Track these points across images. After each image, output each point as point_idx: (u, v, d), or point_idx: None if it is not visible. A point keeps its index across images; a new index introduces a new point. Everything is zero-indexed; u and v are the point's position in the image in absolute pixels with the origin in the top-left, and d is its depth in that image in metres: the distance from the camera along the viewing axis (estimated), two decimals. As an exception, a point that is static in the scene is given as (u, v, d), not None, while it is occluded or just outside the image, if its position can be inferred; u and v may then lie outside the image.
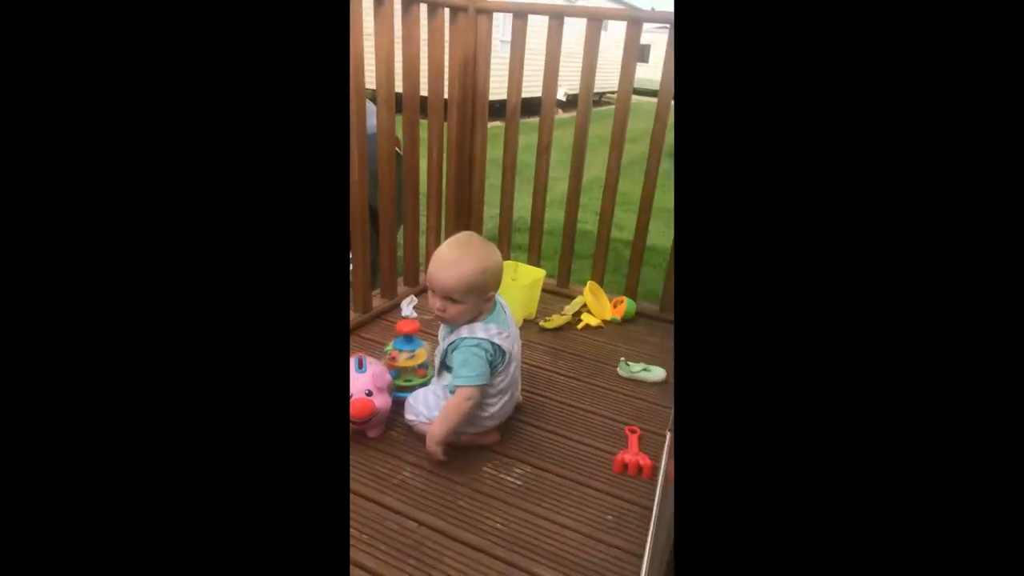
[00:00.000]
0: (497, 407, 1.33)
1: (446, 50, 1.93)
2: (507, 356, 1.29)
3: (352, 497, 1.19)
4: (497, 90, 2.03)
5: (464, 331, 1.27)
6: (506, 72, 2.03)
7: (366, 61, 1.56)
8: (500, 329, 1.28)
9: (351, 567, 1.04)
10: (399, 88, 1.75)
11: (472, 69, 2.04)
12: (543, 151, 2.09)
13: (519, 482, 1.27)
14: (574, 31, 2.19)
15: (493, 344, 1.26)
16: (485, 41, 2.02)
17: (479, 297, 1.26)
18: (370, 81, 1.61)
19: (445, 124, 2.05)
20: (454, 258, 1.25)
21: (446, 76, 1.96)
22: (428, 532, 1.13)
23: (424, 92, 1.83)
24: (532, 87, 2.21)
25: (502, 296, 1.39)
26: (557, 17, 1.92)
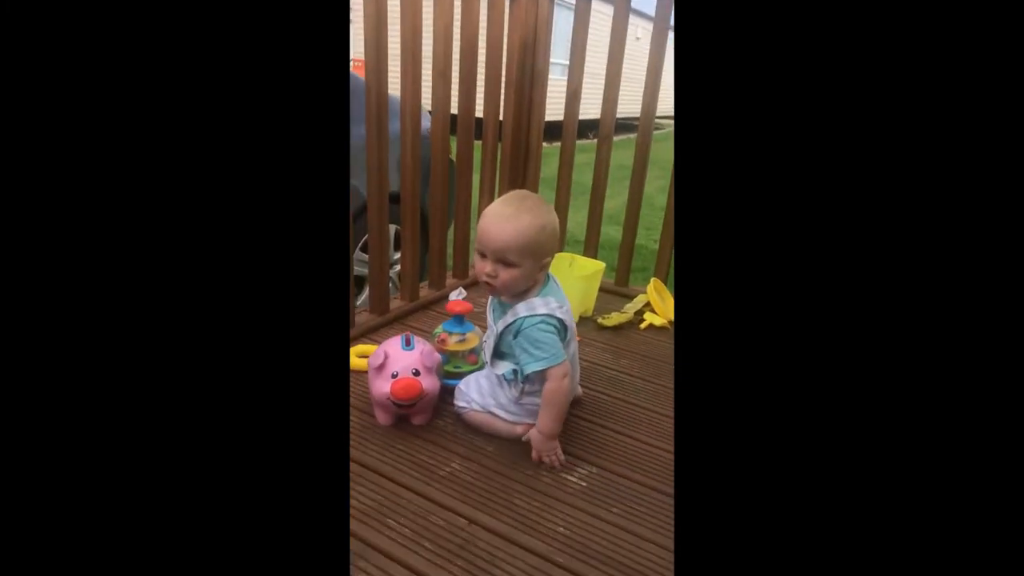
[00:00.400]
0: None
1: (504, 55, 1.87)
2: (569, 332, 1.14)
3: (395, 487, 1.05)
4: (553, 111, 1.95)
5: (522, 309, 1.11)
6: (560, 95, 1.97)
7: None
8: (560, 302, 1.13)
9: (393, 563, 0.89)
10: (454, 109, 1.73)
11: (529, 86, 1.98)
12: (600, 163, 1.97)
13: (583, 483, 1.10)
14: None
15: (557, 319, 1.10)
16: (544, 57, 1.93)
17: (536, 261, 1.09)
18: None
19: (500, 145, 2.00)
20: (510, 212, 1.07)
21: (503, 92, 1.92)
22: (479, 531, 0.97)
23: (480, 113, 1.80)
24: (590, 110, 2.11)
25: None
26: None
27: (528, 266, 1.08)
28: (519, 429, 1.18)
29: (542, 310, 1.10)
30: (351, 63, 1.41)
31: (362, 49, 1.41)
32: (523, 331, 1.10)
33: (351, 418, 1.23)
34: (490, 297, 1.20)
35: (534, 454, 1.13)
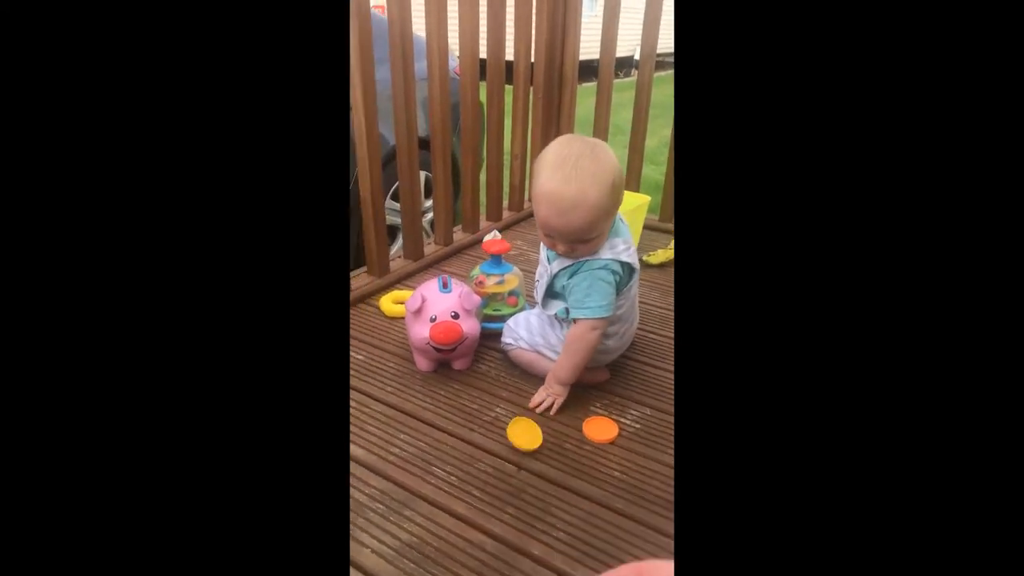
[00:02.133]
0: (616, 339, 1.09)
1: (533, 10, 1.73)
2: (635, 274, 1.05)
3: (437, 434, 1.00)
4: (588, 50, 1.81)
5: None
6: (595, 32, 1.85)
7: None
8: (627, 243, 1.03)
9: (440, 512, 0.84)
10: (483, 55, 1.62)
11: (561, 27, 1.84)
12: (640, 108, 1.83)
13: (637, 425, 1.03)
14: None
15: (621, 263, 1.01)
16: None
17: (610, 220, 0.98)
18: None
19: (531, 88, 1.87)
20: (573, 196, 0.91)
21: (533, 39, 1.79)
22: (530, 477, 0.91)
23: (510, 57, 1.68)
24: (625, 46, 1.96)
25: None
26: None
27: (607, 226, 0.98)
28: (567, 374, 1.11)
29: (607, 254, 1.00)
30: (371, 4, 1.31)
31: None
32: (580, 273, 1.00)
33: (391, 364, 1.18)
34: (619, 242, 1.05)
35: (538, 394, 1.06)
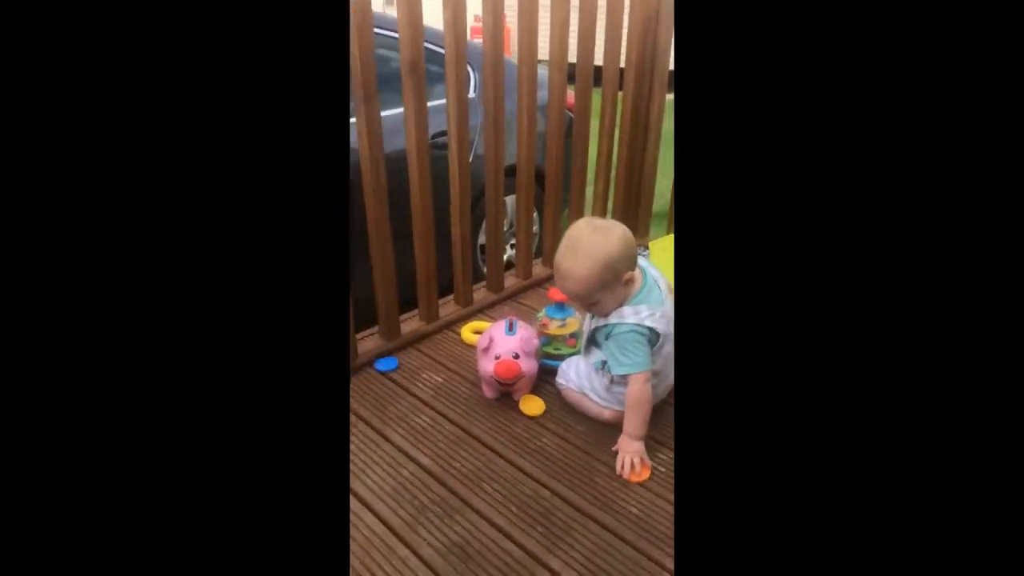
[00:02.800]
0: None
1: (625, 14, 1.83)
2: (661, 337, 1.20)
3: (491, 455, 1.22)
4: None
5: (613, 316, 1.19)
6: None
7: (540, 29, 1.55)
8: (652, 310, 1.19)
9: (484, 521, 1.06)
10: (572, 58, 1.72)
11: (654, 31, 1.92)
12: None
13: (662, 468, 1.19)
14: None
15: (647, 328, 1.17)
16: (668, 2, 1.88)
17: (612, 288, 1.17)
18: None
19: (620, 93, 1.97)
20: (566, 268, 1.16)
21: (624, 42, 1.87)
22: (560, 503, 1.11)
23: (599, 61, 1.76)
24: None
25: (668, 271, 1.28)
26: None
27: (609, 295, 1.17)
28: (607, 414, 1.29)
29: (631, 319, 1.17)
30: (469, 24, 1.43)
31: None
32: (613, 336, 1.19)
33: (463, 389, 1.42)
34: (643, 308, 1.21)
35: (619, 457, 1.20)
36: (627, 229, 1.19)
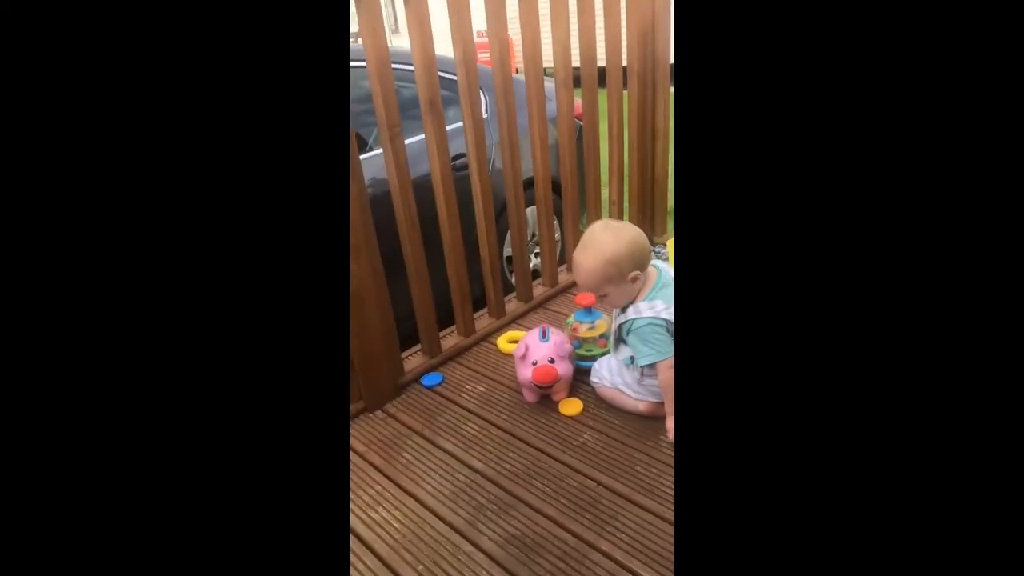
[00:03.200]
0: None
1: (622, 17, 1.92)
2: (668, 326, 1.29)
3: (538, 454, 1.32)
4: None
5: (630, 312, 1.30)
6: None
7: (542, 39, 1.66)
8: (666, 304, 1.28)
9: (537, 514, 1.16)
10: (576, 63, 1.80)
11: (651, 35, 2.01)
12: None
13: (698, 453, 1.27)
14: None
15: (663, 319, 1.27)
16: (664, 4, 1.96)
17: (620, 282, 1.28)
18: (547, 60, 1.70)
19: (625, 94, 2.05)
20: (579, 262, 1.31)
21: (624, 44, 1.96)
22: (605, 492, 1.20)
23: (601, 63, 1.84)
24: None
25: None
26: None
27: (615, 290, 1.29)
28: (641, 406, 1.38)
29: (647, 314, 1.27)
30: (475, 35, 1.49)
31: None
32: (633, 331, 1.29)
33: (505, 396, 1.53)
34: (658, 302, 1.31)
35: (671, 434, 1.32)
36: (640, 232, 1.30)
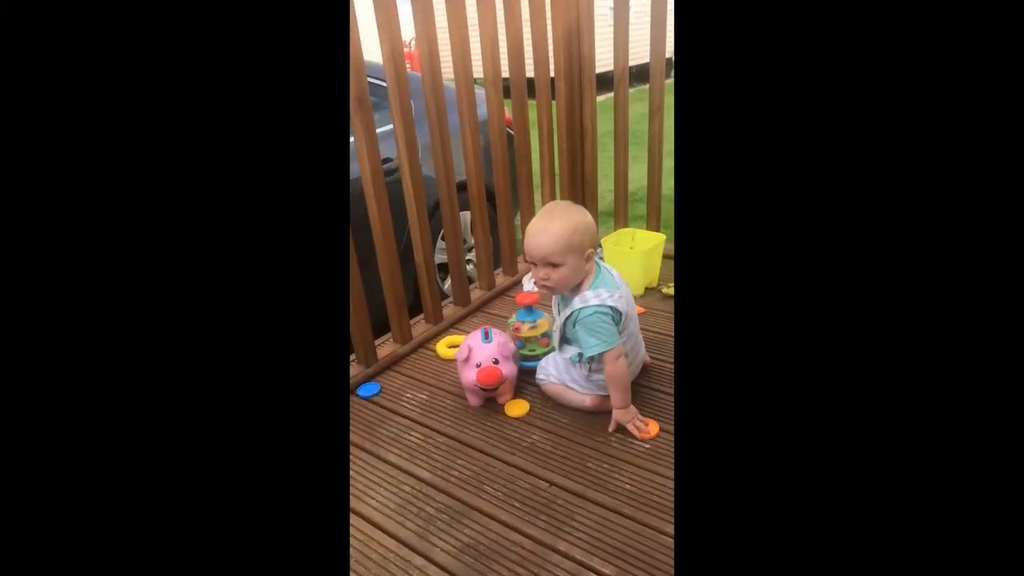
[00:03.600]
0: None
1: (548, 24, 1.94)
2: (623, 316, 1.29)
3: (487, 459, 1.27)
4: (604, 61, 1.98)
5: (576, 302, 1.28)
6: (611, 43, 1.99)
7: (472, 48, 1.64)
8: (611, 291, 1.28)
9: (490, 520, 1.11)
10: (505, 73, 1.80)
11: (576, 41, 2.03)
12: (655, 112, 2.03)
13: (647, 445, 1.27)
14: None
15: (609, 307, 1.27)
16: (587, 10, 2.00)
17: (578, 256, 1.27)
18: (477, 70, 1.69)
19: (554, 103, 2.07)
20: (543, 224, 1.27)
21: (550, 51, 1.97)
22: (559, 492, 1.17)
23: (530, 74, 1.85)
24: (641, 53, 2.12)
25: (621, 264, 1.38)
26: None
27: (572, 262, 1.26)
28: (587, 400, 1.37)
29: (594, 301, 1.26)
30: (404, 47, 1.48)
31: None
32: (579, 321, 1.27)
33: (448, 402, 1.47)
34: (613, 291, 1.31)
35: (613, 426, 1.32)
36: None
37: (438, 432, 1.37)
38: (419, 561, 1.05)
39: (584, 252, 1.27)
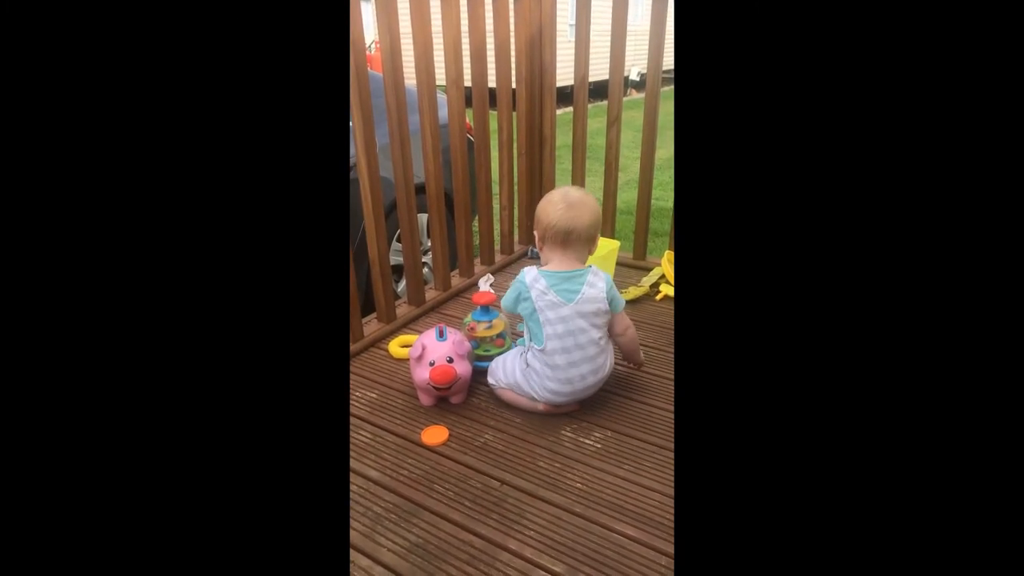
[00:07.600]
0: (555, 373, 1.30)
1: (511, 34, 1.95)
2: (531, 303, 1.32)
3: (437, 458, 1.25)
4: (565, 76, 2.01)
5: (593, 278, 1.35)
6: (571, 60, 2.03)
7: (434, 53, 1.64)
8: (545, 287, 1.31)
9: (441, 519, 1.09)
10: (468, 82, 1.80)
11: (539, 51, 2.06)
12: (612, 123, 2.07)
13: (598, 445, 1.28)
14: (643, 9, 2.13)
15: (523, 283, 1.34)
16: (550, 22, 2.03)
17: (594, 240, 1.38)
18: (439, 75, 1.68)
19: (515, 113, 2.08)
20: (578, 214, 1.32)
21: (512, 61, 1.98)
22: (510, 490, 1.16)
23: (492, 84, 1.86)
24: (601, 70, 2.16)
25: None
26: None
27: (591, 244, 1.38)
28: (540, 407, 1.36)
29: (602, 274, 1.37)
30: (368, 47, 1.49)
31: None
32: (609, 287, 1.36)
33: (399, 401, 1.44)
34: (542, 279, 1.32)
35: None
36: None
37: (387, 431, 1.34)
38: (365, 562, 1.01)
39: (597, 236, 1.40)
